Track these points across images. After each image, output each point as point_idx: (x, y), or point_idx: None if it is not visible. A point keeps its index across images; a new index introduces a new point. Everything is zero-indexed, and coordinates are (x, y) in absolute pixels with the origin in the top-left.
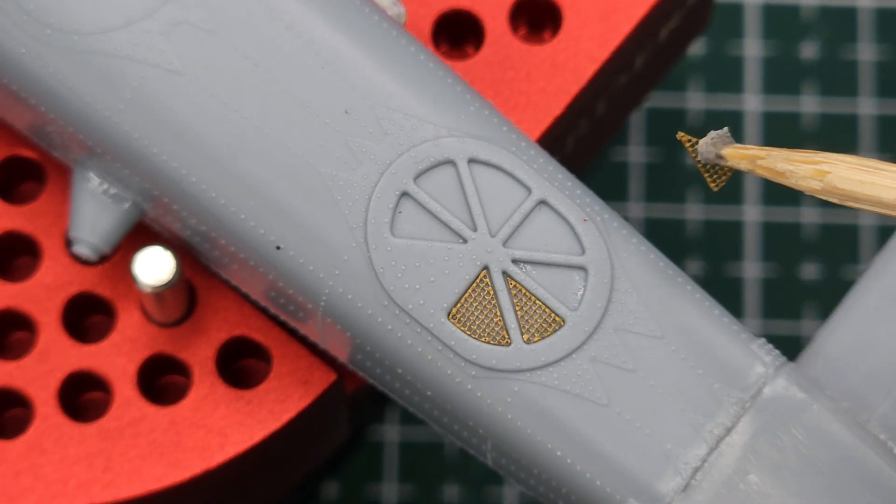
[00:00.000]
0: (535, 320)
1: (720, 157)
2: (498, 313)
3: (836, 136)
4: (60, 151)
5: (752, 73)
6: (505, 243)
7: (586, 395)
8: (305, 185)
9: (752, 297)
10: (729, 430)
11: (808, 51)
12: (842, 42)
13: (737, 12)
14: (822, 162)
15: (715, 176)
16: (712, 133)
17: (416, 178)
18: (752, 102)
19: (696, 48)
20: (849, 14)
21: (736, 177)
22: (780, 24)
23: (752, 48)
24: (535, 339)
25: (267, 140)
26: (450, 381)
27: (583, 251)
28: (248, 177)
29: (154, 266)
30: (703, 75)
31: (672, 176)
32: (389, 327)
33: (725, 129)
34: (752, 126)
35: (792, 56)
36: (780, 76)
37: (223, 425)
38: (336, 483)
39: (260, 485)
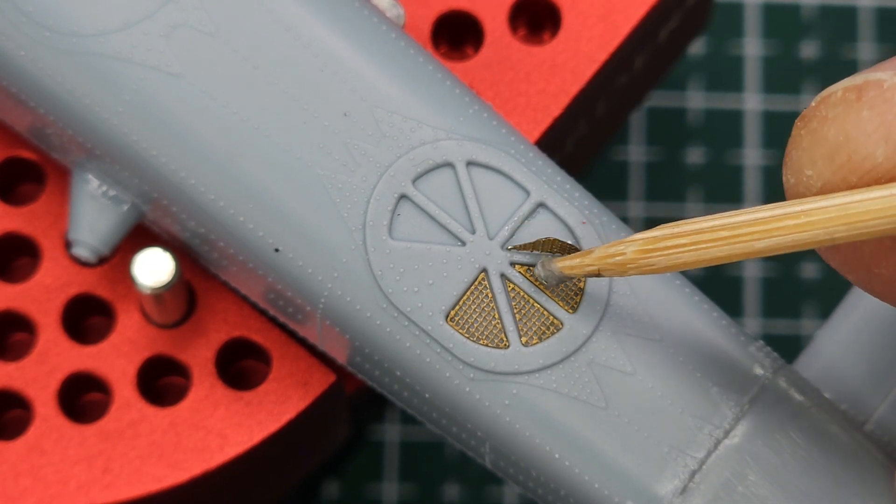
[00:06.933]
0: (534, 323)
1: (562, 275)
2: (496, 316)
3: None
4: (60, 153)
5: (752, 73)
6: (503, 246)
7: (584, 398)
8: (304, 187)
9: (752, 296)
10: (727, 433)
11: (808, 50)
12: (842, 42)
13: (737, 12)
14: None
15: (571, 286)
16: (541, 260)
17: (415, 180)
18: (752, 102)
19: (696, 48)
20: (849, 14)
21: (736, 175)
22: (780, 24)
23: (752, 48)
24: (534, 341)
25: (266, 142)
26: (448, 383)
27: None
28: (246, 179)
29: (153, 267)
30: (703, 75)
31: (672, 175)
32: (388, 330)
33: (542, 239)
34: (752, 126)
35: (792, 56)
36: (780, 76)
37: (223, 426)
38: (336, 483)
39: (260, 485)
